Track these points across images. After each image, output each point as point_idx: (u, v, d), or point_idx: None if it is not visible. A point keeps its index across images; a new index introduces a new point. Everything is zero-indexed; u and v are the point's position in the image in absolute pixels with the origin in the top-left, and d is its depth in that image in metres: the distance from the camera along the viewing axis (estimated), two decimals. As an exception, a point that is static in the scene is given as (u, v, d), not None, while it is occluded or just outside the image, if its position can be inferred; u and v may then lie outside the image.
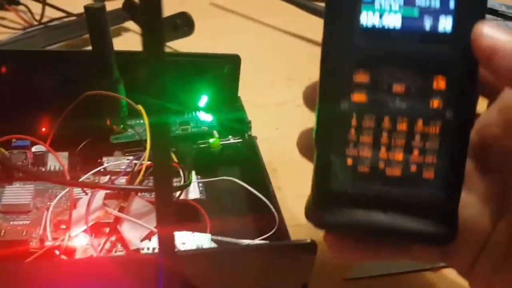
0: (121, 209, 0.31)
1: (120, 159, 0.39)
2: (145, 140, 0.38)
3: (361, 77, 0.26)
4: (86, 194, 0.34)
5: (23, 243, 0.33)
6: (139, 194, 0.33)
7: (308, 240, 0.26)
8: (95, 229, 0.32)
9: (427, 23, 0.25)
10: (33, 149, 0.39)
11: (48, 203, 0.36)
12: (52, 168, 0.39)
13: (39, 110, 0.42)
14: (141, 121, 0.42)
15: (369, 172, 0.26)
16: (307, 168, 0.38)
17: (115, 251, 0.31)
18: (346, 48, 0.26)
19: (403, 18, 0.25)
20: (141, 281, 0.25)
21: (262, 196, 0.33)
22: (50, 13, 0.66)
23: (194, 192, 0.37)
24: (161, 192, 0.21)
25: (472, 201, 0.27)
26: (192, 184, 0.37)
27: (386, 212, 0.26)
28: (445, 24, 0.25)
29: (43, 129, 0.42)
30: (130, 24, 0.66)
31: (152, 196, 0.34)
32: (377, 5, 0.25)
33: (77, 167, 0.39)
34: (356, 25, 0.26)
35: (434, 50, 0.25)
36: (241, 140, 0.43)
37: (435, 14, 0.25)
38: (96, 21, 0.37)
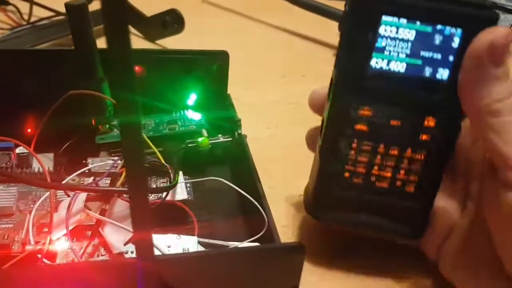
0: (102, 212, 0.30)
1: (105, 160, 0.38)
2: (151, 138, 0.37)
3: (365, 112, 0.31)
4: (69, 196, 0.33)
5: (5, 247, 0.32)
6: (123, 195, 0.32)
7: (297, 243, 0.25)
8: (77, 232, 0.31)
9: (427, 72, 0.29)
10: (17, 150, 0.38)
11: (32, 206, 0.35)
12: (37, 170, 0.38)
13: (23, 111, 0.41)
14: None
15: (362, 184, 0.32)
16: (299, 168, 0.37)
17: (98, 255, 0.30)
18: (355, 85, 0.30)
19: (407, 65, 0.29)
20: (122, 286, 0.24)
21: (250, 198, 0.32)
22: (40, 12, 0.65)
23: (181, 193, 0.36)
24: (135, 195, 0.20)
25: (442, 197, 0.32)
26: (179, 184, 0.36)
27: (371, 215, 0.33)
28: (443, 74, 0.29)
29: (29, 130, 0.41)
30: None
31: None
32: (386, 52, 0.29)
33: (62, 168, 0.38)
34: (366, 67, 0.30)
35: (430, 95, 0.30)
36: (230, 139, 0.42)
37: (435, 65, 0.29)
38: (78, 19, 0.36)
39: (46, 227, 0.33)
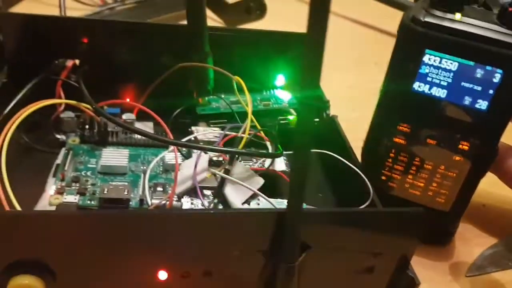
0: (226, 172, 0.33)
1: (208, 129, 0.40)
2: (241, 113, 0.39)
3: (404, 128, 0.34)
4: (185, 158, 0.35)
5: (125, 202, 0.34)
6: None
7: (419, 209, 0.26)
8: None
9: (467, 100, 0.32)
10: (124, 116, 0.41)
11: (142, 167, 0.38)
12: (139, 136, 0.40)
13: (127, 81, 0.43)
14: (223, 96, 0.43)
15: (396, 188, 0.36)
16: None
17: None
18: (398, 103, 0.33)
19: (448, 92, 0.32)
20: (264, 234, 0.26)
21: (356, 168, 0.34)
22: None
23: (280, 164, 0.38)
24: (299, 156, 0.22)
25: None
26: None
27: None
28: (482, 104, 0.31)
29: (127, 100, 0.44)
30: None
31: (252, 164, 0.36)
32: (429, 79, 0.32)
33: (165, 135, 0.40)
34: (409, 89, 0.32)
35: (468, 122, 0.32)
36: (318, 119, 0.44)
37: (475, 95, 0.31)
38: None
39: (159, 187, 0.35)
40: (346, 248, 0.27)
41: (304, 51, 0.20)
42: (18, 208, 0.29)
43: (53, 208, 0.33)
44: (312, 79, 0.20)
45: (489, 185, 0.46)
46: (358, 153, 0.39)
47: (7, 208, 0.29)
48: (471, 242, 0.41)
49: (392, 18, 0.71)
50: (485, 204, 0.45)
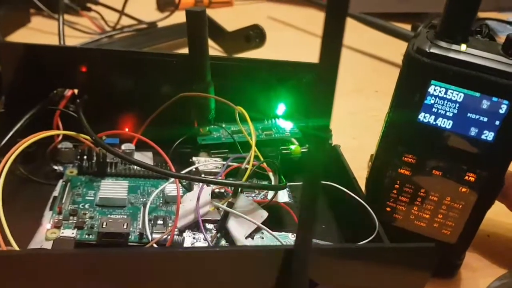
0: (229, 205, 0.32)
1: (209, 160, 0.40)
2: (243, 142, 0.39)
3: (409, 159, 0.33)
4: (186, 189, 0.34)
5: (124, 236, 0.33)
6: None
7: (431, 244, 0.26)
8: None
9: (473, 131, 0.31)
10: (123, 147, 0.40)
11: (142, 199, 0.37)
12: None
13: (125, 111, 0.43)
14: (224, 125, 0.43)
15: (401, 219, 0.35)
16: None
17: (220, 248, 0.31)
18: (403, 134, 0.33)
19: (454, 123, 0.31)
20: (266, 273, 0.25)
21: (363, 201, 0.34)
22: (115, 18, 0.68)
23: (283, 196, 0.37)
24: (308, 191, 0.21)
25: None
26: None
27: None
28: (488, 135, 0.31)
29: (126, 129, 0.43)
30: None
31: (255, 195, 0.35)
32: (434, 109, 0.31)
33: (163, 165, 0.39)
34: (414, 120, 0.32)
35: (474, 153, 0.31)
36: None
37: (481, 126, 0.31)
38: (196, 24, 0.38)
39: (159, 220, 0.35)
40: (354, 284, 0.26)
41: (317, 82, 0.19)
42: (14, 245, 0.28)
43: (50, 243, 0.32)
44: (325, 110, 0.19)
45: (495, 214, 0.45)
46: (360, 183, 0.39)
47: (2, 245, 0.28)
48: (478, 273, 0.40)
49: (391, 47, 0.72)
50: (489, 235, 0.44)
